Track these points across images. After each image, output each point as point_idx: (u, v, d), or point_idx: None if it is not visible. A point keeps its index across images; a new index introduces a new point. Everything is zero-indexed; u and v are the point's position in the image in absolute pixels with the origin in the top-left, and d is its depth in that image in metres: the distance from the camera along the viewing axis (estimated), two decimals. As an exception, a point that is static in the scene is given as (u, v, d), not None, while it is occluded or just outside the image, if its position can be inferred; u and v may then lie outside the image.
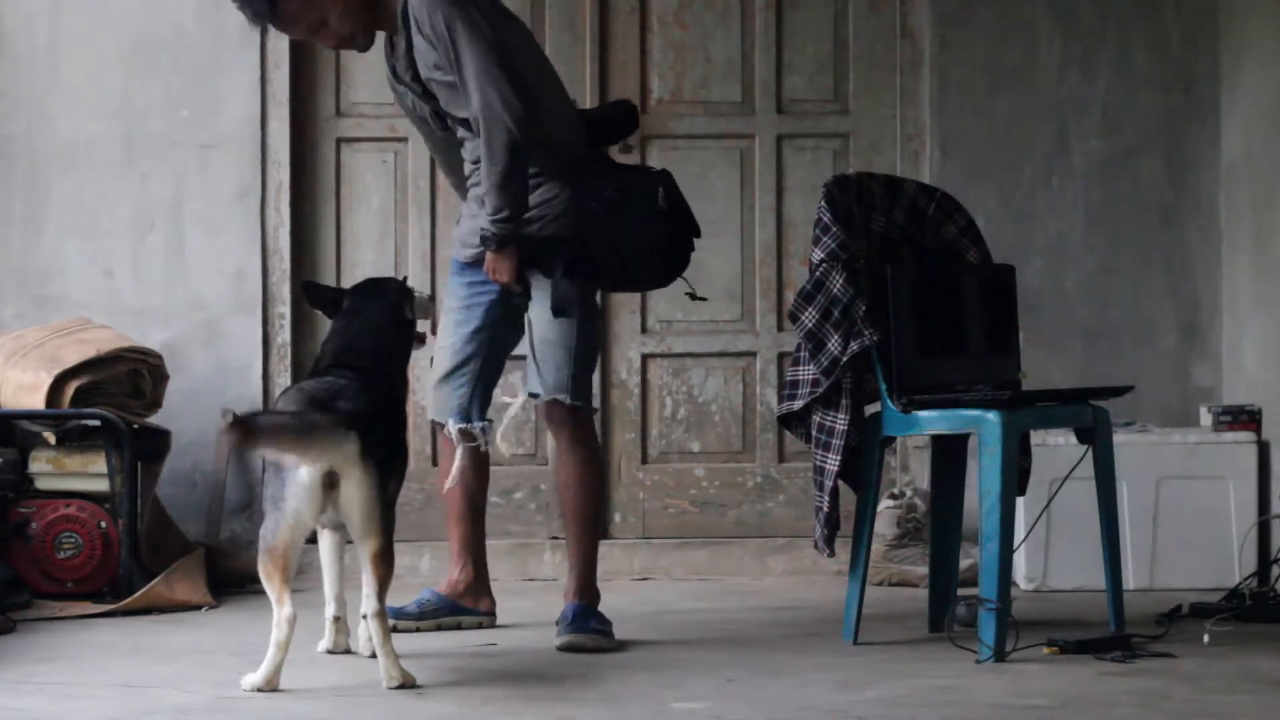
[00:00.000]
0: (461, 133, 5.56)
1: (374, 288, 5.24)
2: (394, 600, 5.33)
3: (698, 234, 5.63)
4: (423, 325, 5.39)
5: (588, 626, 5.45)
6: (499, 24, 5.49)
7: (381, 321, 5.11)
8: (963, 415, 5.27)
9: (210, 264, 6.94)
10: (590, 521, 5.60)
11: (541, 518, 7.06)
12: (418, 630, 5.63)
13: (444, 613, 5.71)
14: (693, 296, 5.74)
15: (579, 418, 5.56)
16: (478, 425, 5.67)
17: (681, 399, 7.14)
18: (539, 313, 5.51)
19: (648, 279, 5.76)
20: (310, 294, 5.29)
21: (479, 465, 5.72)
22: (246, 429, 4.59)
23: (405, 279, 5.34)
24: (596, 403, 6.94)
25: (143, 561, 6.25)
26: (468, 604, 5.74)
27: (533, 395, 5.60)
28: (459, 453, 5.68)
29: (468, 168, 5.61)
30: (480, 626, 5.73)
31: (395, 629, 5.45)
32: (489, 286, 5.60)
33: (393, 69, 5.61)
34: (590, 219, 5.48)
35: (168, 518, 6.62)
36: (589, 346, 5.58)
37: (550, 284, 5.48)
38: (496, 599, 5.83)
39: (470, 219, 5.62)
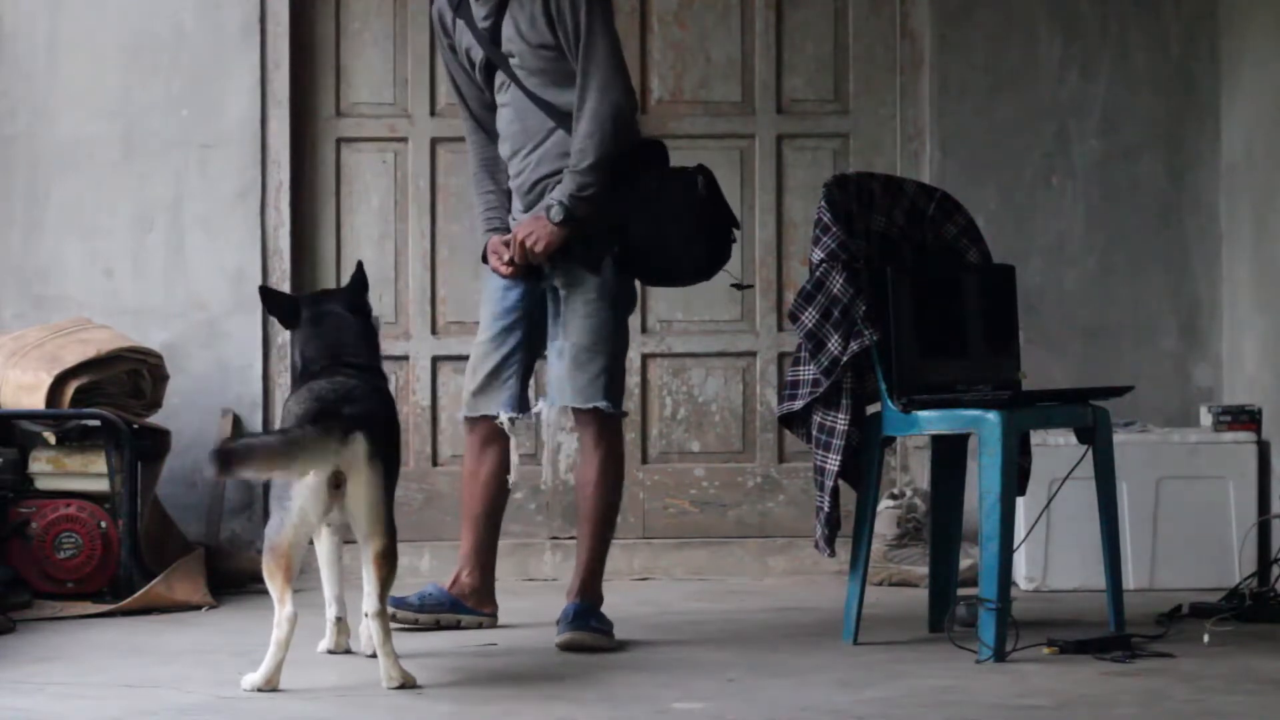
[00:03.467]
0: (510, 98, 5.55)
1: (334, 291, 5.25)
2: (394, 593, 5.35)
3: (738, 225, 5.63)
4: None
5: (588, 625, 5.44)
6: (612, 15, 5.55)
7: (360, 319, 5.12)
8: (963, 415, 5.27)
9: (210, 264, 6.94)
10: (602, 523, 5.59)
11: (542, 518, 7.06)
12: (416, 623, 5.62)
13: (445, 609, 5.70)
14: (739, 286, 5.74)
15: (610, 421, 5.55)
16: (527, 417, 5.67)
17: (681, 399, 7.14)
18: (576, 312, 5.50)
19: (690, 272, 5.64)
20: (267, 299, 5.26)
21: (504, 470, 5.69)
22: (223, 459, 4.59)
23: (359, 264, 5.28)
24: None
25: (143, 561, 6.25)
26: (471, 605, 5.73)
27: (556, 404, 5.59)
28: (514, 445, 5.65)
29: (504, 149, 5.59)
30: (480, 626, 5.72)
31: (394, 618, 5.46)
32: (520, 282, 5.59)
33: (465, 16, 5.58)
34: (630, 210, 5.47)
35: (168, 518, 6.62)
36: (624, 347, 5.59)
37: (596, 281, 5.49)
38: (496, 600, 5.83)
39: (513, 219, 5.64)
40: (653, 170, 5.58)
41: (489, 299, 5.68)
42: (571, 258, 5.49)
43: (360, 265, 5.24)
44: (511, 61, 5.54)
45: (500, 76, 5.59)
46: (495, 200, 5.71)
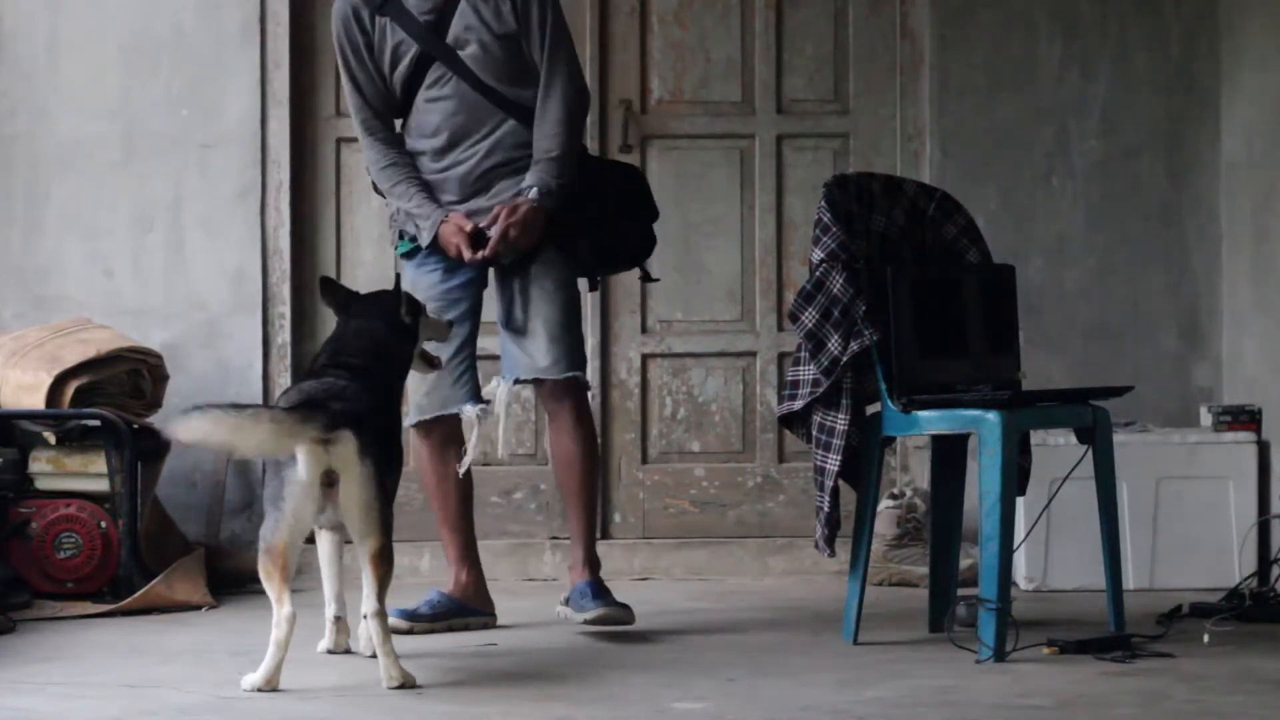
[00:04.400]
0: (451, 90, 5.61)
1: (375, 295, 5.25)
2: (395, 601, 5.34)
3: (656, 217, 5.77)
4: (437, 348, 5.41)
5: (614, 600, 5.60)
6: None
7: (375, 324, 5.11)
8: (963, 415, 5.27)
9: (210, 264, 6.94)
10: (594, 494, 5.75)
11: (541, 518, 7.05)
12: (430, 632, 5.64)
13: (454, 614, 5.73)
14: (646, 278, 5.86)
15: (584, 394, 5.69)
16: (491, 407, 5.72)
17: (681, 399, 7.14)
18: (545, 289, 5.59)
19: (625, 263, 5.84)
20: (325, 290, 5.28)
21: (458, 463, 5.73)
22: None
23: (398, 277, 5.35)
24: (597, 403, 6.97)
25: (143, 561, 6.25)
26: (475, 605, 5.76)
27: (523, 380, 5.65)
28: (477, 437, 5.68)
29: (436, 141, 5.65)
30: (484, 626, 5.74)
31: (412, 631, 5.54)
32: (462, 271, 5.62)
33: (394, 12, 5.61)
34: (595, 200, 5.63)
35: (168, 518, 6.62)
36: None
37: (564, 260, 5.61)
38: (496, 599, 5.86)
39: (427, 203, 5.65)
40: (603, 165, 5.83)
41: (426, 289, 5.64)
42: (548, 241, 5.58)
43: (397, 276, 5.34)
44: (462, 53, 5.59)
45: (437, 70, 5.63)
46: (427, 192, 5.69)
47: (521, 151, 5.62)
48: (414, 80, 5.65)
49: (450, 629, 5.69)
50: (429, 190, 5.67)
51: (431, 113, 5.65)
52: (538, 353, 5.60)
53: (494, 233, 5.54)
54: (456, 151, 5.64)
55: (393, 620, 5.50)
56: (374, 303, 5.19)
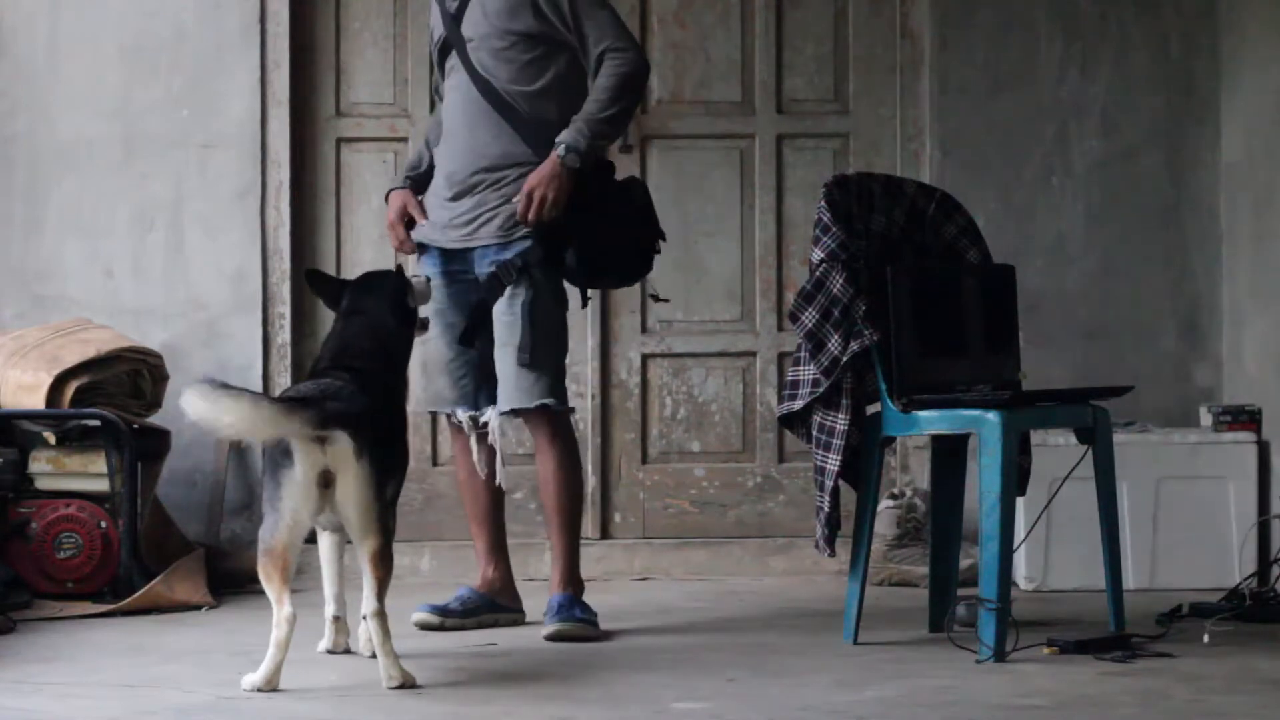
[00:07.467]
0: (457, 83, 5.59)
1: (372, 283, 5.21)
2: (414, 600, 5.35)
3: (663, 238, 5.67)
4: (424, 310, 5.38)
5: (574, 615, 5.51)
6: None
7: (380, 319, 5.10)
8: (963, 415, 5.27)
9: (210, 264, 6.94)
10: (571, 514, 5.68)
11: (541, 518, 7.04)
12: (461, 628, 5.63)
13: (484, 610, 5.72)
14: (655, 298, 5.87)
15: (559, 417, 5.62)
16: (486, 413, 5.67)
17: (681, 399, 7.14)
18: (523, 311, 5.52)
19: (616, 279, 5.80)
20: (312, 282, 5.26)
21: (493, 456, 5.70)
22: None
23: (399, 268, 5.34)
24: (598, 403, 6.96)
25: (143, 561, 6.25)
26: (504, 601, 5.77)
27: (504, 412, 5.61)
28: (474, 441, 5.67)
29: (450, 127, 5.63)
30: (514, 623, 5.74)
31: (443, 627, 5.58)
32: (469, 273, 5.62)
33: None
34: (582, 214, 5.51)
35: (168, 518, 6.62)
36: (567, 344, 5.68)
37: (556, 274, 5.55)
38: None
39: (443, 207, 5.64)
40: (608, 177, 5.65)
41: (437, 294, 5.63)
42: (537, 258, 5.52)
43: (399, 268, 5.29)
44: (470, 45, 5.57)
45: (452, 60, 5.64)
46: (410, 171, 5.77)
47: (510, 165, 5.54)
48: (439, 66, 5.71)
49: (480, 625, 5.68)
50: (417, 171, 5.74)
51: (445, 101, 5.68)
52: (509, 381, 5.56)
53: (520, 199, 5.47)
54: (447, 145, 5.65)
55: (424, 615, 5.55)
56: (369, 292, 5.16)
